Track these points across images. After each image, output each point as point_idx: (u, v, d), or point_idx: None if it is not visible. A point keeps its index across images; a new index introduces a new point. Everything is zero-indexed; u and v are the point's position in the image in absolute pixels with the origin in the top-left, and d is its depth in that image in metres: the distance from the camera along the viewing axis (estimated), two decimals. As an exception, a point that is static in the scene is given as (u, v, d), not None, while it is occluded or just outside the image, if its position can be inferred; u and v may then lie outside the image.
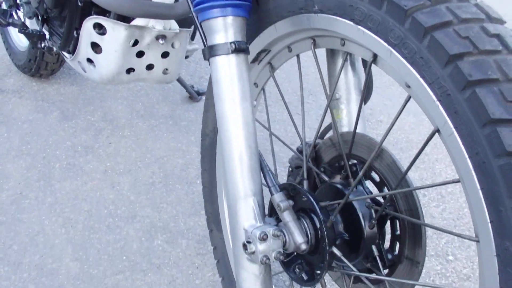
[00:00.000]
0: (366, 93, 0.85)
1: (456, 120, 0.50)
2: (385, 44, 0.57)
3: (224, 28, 0.71)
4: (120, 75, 1.18)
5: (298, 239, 0.74)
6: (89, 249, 1.32)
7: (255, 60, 0.87)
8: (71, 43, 1.22)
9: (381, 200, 0.78)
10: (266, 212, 0.82)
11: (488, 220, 0.49)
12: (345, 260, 0.75)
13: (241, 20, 0.72)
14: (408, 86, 0.59)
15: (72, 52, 1.23)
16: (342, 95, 0.85)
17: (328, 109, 0.82)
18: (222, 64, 0.72)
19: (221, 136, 0.74)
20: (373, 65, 0.67)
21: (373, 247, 0.78)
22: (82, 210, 1.43)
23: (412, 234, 0.74)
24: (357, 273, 0.74)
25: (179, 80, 1.85)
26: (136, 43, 1.13)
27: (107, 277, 1.25)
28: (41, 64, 1.83)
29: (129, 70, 1.18)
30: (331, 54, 0.82)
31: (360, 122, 0.85)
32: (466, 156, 0.50)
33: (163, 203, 1.47)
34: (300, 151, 0.88)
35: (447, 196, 1.52)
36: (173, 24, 1.14)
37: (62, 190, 1.49)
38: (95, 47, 1.16)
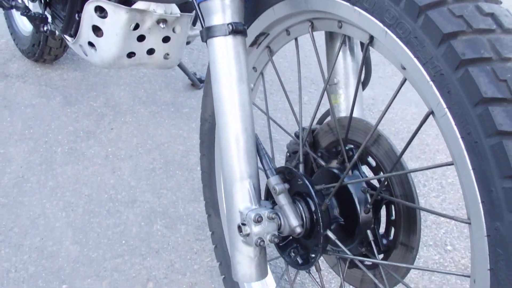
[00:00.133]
0: (364, 78, 0.85)
1: (449, 100, 0.50)
2: (381, 24, 0.56)
3: (221, 9, 0.71)
4: (121, 59, 1.18)
5: (293, 222, 0.75)
6: (89, 232, 1.33)
7: (253, 43, 0.87)
8: (72, 26, 1.22)
9: (377, 185, 0.78)
10: (263, 197, 0.83)
11: (479, 201, 0.49)
12: (340, 244, 0.75)
13: (238, 2, 0.71)
14: (404, 68, 0.59)
15: (74, 35, 1.24)
16: (340, 80, 0.84)
17: (328, 95, 0.81)
18: (219, 46, 0.72)
19: (217, 118, 0.74)
20: (371, 49, 0.67)
21: (368, 232, 0.78)
22: (82, 194, 1.44)
23: (407, 219, 0.74)
24: (351, 256, 0.75)
25: (182, 67, 1.85)
26: (137, 27, 1.13)
27: (106, 260, 1.26)
28: (44, 49, 1.84)
29: (130, 54, 1.18)
30: (330, 38, 0.82)
31: (358, 107, 0.85)
32: (459, 136, 0.50)
33: (163, 189, 1.48)
34: (297, 136, 0.88)
35: (447, 187, 1.51)
36: (174, 8, 1.14)
37: (63, 174, 1.50)
38: (97, 30, 1.16)
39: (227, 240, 1.07)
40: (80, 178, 1.49)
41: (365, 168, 0.81)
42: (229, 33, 0.71)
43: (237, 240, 0.76)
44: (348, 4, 0.61)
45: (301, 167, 0.80)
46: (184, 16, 1.16)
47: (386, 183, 0.74)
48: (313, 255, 0.79)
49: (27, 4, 1.47)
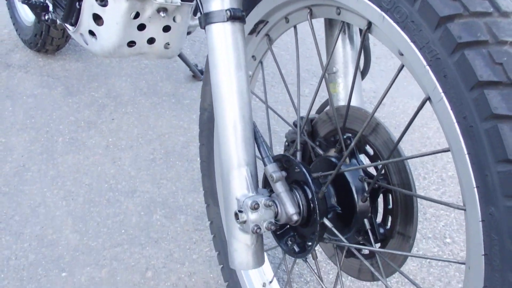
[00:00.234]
0: (363, 67, 0.85)
1: (445, 85, 0.49)
2: (378, 9, 0.56)
3: (220, -5, 0.70)
4: (122, 48, 1.18)
5: (290, 210, 0.74)
6: (89, 221, 1.34)
7: (252, 31, 0.87)
8: (73, 14, 1.22)
9: (375, 174, 0.77)
10: (261, 185, 0.83)
11: (474, 186, 0.49)
12: (336, 232, 0.75)
13: (237, -12, 0.71)
14: (401, 54, 0.58)
15: (75, 24, 1.24)
16: (339, 68, 0.84)
17: (326, 84, 0.81)
18: (218, 32, 0.71)
19: (215, 105, 0.74)
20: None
21: (365, 220, 0.78)
22: (83, 183, 1.45)
23: (404, 208, 0.74)
24: (347, 244, 0.75)
25: (183, 59, 1.85)
26: (137, 16, 1.12)
27: (105, 249, 1.27)
28: (46, 39, 1.84)
29: (131, 43, 1.18)
30: (329, 26, 0.81)
31: (357, 96, 0.85)
32: (454, 121, 0.49)
33: (163, 179, 1.48)
34: (296, 124, 0.88)
35: (447, 180, 1.51)
36: (174, -3, 1.13)
37: (64, 164, 1.51)
38: (97, 19, 1.16)
39: (225, 229, 1.07)
40: (81, 167, 1.50)
41: (363, 157, 0.81)
42: (228, 19, 0.70)
43: (234, 228, 0.76)
44: (346, -11, 0.60)
45: (298, 155, 0.80)
46: (184, 5, 1.15)
47: (383, 171, 0.74)
48: (309, 243, 0.79)
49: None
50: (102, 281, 1.18)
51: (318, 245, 0.94)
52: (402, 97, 1.90)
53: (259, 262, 0.77)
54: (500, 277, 0.49)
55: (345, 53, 0.83)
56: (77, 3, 1.20)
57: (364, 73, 0.86)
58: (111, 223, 1.34)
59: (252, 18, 0.84)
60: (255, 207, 0.72)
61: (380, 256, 0.77)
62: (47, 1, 1.37)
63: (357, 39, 0.83)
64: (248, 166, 0.74)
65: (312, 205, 0.75)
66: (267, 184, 0.80)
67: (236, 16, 0.70)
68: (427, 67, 0.51)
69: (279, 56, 2.06)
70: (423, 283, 1.21)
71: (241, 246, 0.76)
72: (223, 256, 1.11)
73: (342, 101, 0.86)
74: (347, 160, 0.79)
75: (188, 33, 1.37)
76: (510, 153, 0.44)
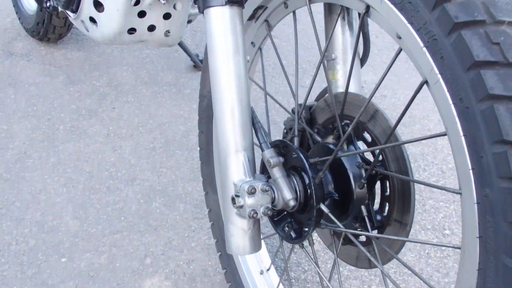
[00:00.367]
0: (363, 55, 0.84)
1: (441, 66, 0.49)
2: (376, -9, 0.56)
3: (218, -22, 0.70)
4: (122, 35, 1.18)
5: (287, 195, 0.75)
6: (89, 208, 1.34)
7: (252, 17, 0.87)
8: (74, 1, 1.22)
9: (372, 160, 0.77)
10: (259, 172, 0.83)
11: (470, 168, 0.49)
12: (333, 217, 0.75)
13: (236, -29, 0.71)
14: (399, 37, 0.58)
15: (75, 10, 1.24)
16: (338, 55, 0.83)
17: (325, 71, 0.81)
18: (216, 16, 0.71)
19: (213, 89, 0.74)
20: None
21: (362, 207, 0.78)
22: (83, 171, 1.45)
23: (402, 195, 0.74)
24: (344, 229, 0.75)
25: (184, 49, 1.85)
26: (137, 2, 1.12)
27: (105, 236, 1.27)
28: (48, 28, 1.84)
29: (131, 31, 1.18)
30: (328, 12, 0.81)
31: (356, 83, 0.84)
32: (451, 102, 0.49)
33: (163, 167, 1.48)
34: (294, 111, 0.88)
35: (448, 172, 1.50)
36: (175, -16, 1.13)
37: (65, 151, 1.51)
38: (98, 6, 1.16)
39: (222, 214, 1.08)
40: (81, 155, 1.50)
41: (361, 144, 0.80)
42: (226, 3, 0.70)
43: (231, 213, 0.76)
44: (344, -29, 0.60)
45: (296, 140, 0.80)
46: (185, -8, 1.15)
47: (381, 157, 0.74)
48: (306, 229, 0.79)
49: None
50: (101, 267, 1.19)
51: (316, 233, 0.94)
52: (403, 89, 1.89)
53: (255, 247, 0.78)
54: (494, 260, 0.49)
55: (344, 40, 0.82)
56: (78, -11, 1.20)
57: (363, 60, 0.86)
58: (111, 210, 1.34)
59: (251, 4, 0.83)
60: (251, 192, 0.72)
61: (376, 242, 0.77)
62: (48, -12, 1.37)
63: (357, 25, 0.83)
64: (246, 151, 0.74)
65: (309, 190, 0.75)
66: (264, 170, 0.80)
67: (234, 0, 0.70)
68: (424, 48, 0.51)
69: (281, 47, 2.05)
70: (421, 274, 1.21)
71: (237, 231, 0.77)
72: (221, 244, 1.11)
73: (341, 88, 0.86)
74: (345, 146, 0.79)
75: (189, 21, 1.36)
76: (505, 134, 0.44)
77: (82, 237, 1.26)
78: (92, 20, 1.20)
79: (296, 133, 0.80)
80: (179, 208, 1.36)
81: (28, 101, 1.71)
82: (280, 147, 0.79)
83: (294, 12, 0.81)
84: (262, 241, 1.04)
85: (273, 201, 0.75)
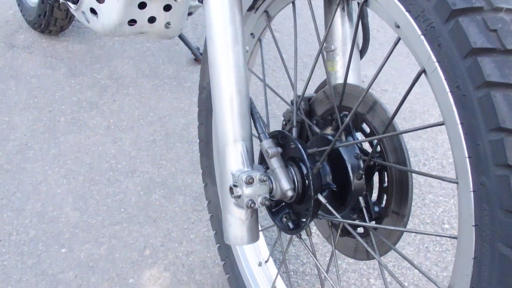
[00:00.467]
0: (362, 46, 0.84)
1: (439, 54, 0.49)
2: (375, -21, 0.55)
3: (218, -33, 0.70)
4: (122, 26, 1.18)
5: (285, 185, 0.75)
6: (89, 200, 1.35)
7: (251, 8, 0.86)
8: (75, -8, 1.22)
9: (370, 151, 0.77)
10: (257, 162, 0.83)
11: (466, 156, 0.49)
12: (330, 208, 0.75)
13: (235, -40, 0.71)
14: (398, 27, 0.58)
15: (76, 1, 1.24)
16: (337, 46, 0.83)
17: (324, 62, 0.81)
18: (215, 6, 0.71)
19: (212, 79, 0.74)
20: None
21: (360, 198, 0.78)
22: (84, 162, 1.46)
23: (400, 186, 0.74)
24: (341, 219, 0.75)
25: (185, 42, 1.85)
26: (138, -7, 1.12)
27: (105, 227, 1.28)
28: (50, 20, 1.84)
29: (131, 22, 1.18)
30: (328, 3, 0.81)
31: (355, 74, 0.84)
32: (448, 90, 0.49)
33: (163, 160, 1.49)
34: (293, 103, 0.87)
35: (448, 167, 1.50)
36: (175, -25, 1.13)
37: (65, 143, 1.52)
38: (98, -3, 1.16)
39: (221, 205, 1.08)
40: (82, 147, 1.51)
41: (360, 135, 0.80)
42: (225, -8, 0.70)
43: (229, 203, 0.76)
44: (343, -40, 0.59)
45: (294, 131, 0.80)
46: (185, -16, 1.15)
47: (379, 148, 0.74)
48: (304, 220, 0.79)
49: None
50: (101, 258, 1.20)
51: (315, 227, 0.94)
52: (404, 84, 1.88)
53: (253, 237, 0.78)
54: (490, 248, 0.49)
55: (343, 31, 0.82)
56: (79, -20, 1.20)
57: (363, 52, 0.85)
58: (110, 201, 1.35)
59: (251, -6, 0.83)
60: (249, 182, 0.72)
61: (374, 233, 0.77)
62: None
63: (356, 16, 0.82)
64: (244, 141, 0.74)
65: (306, 181, 0.75)
66: (263, 161, 0.80)
67: (234, -11, 0.70)
68: (422, 36, 0.51)
69: (282, 41, 2.05)
70: (418, 266, 1.21)
71: (235, 221, 0.77)
72: (220, 236, 1.12)
73: (340, 80, 0.85)
74: (343, 138, 0.79)
75: (189, 13, 1.36)
76: (502, 121, 0.44)
77: (82, 228, 1.27)
78: (93, 11, 1.20)
79: (294, 123, 0.80)
80: (179, 200, 1.37)
81: (30, 93, 1.71)
82: (279, 138, 0.79)
83: (293, 3, 0.80)
84: (261, 233, 1.05)
85: (271, 191, 0.75)
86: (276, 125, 1.61)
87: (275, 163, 0.75)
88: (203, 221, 1.31)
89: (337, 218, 0.75)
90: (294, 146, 0.76)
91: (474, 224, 0.50)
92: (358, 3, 0.67)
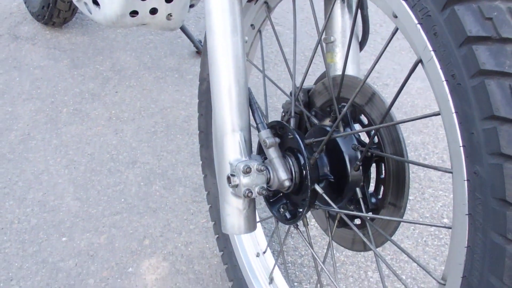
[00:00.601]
0: (362, 38, 0.84)
1: (435, 43, 0.49)
2: (373, -32, 0.55)
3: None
4: (124, 18, 1.18)
5: (282, 175, 0.75)
6: (90, 190, 1.36)
7: (252, -2, 0.86)
8: (77, -17, 1.23)
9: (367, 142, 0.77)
10: (255, 153, 0.83)
11: (461, 145, 0.49)
12: (327, 198, 0.76)
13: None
14: (395, 16, 0.58)
15: (78, -8, 1.24)
16: (337, 38, 0.83)
17: (322, 53, 0.81)
18: (215, -5, 0.71)
19: (211, 69, 0.74)
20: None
21: (357, 189, 0.78)
22: (85, 153, 1.47)
23: (397, 178, 0.74)
24: (338, 210, 0.75)
25: (187, 35, 1.85)
26: (140, -16, 1.12)
27: (105, 216, 1.29)
28: (53, 12, 1.85)
29: (133, 13, 1.18)
30: (328, -6, 0.81)
31: (354, 66, 0.84)
32: (443, 79, 0.49)
33: (164, 151, 1.49)
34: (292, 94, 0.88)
35: (448, 161, 1.50)
36: (177, -34, 1.13)
37: (67, 134, 1.53)
38: (100, -13, 1.16)
39: (219, 196, 1.08)
40: (84, 137, 1.52)
41: (357, 127, 0.81)
42: (225, -18, 0.70)
43: (227, 192, 0.77)
44: (342, -51, 0.59)
45: (292, 121, 0.81)
46: (187, -25, 1.15)
47: (376, 139, 0.74)
48: (301, 210, 0.79)
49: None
50: (101, 247, 1.21)
51: (314, 219, 0.94)
52: (407, 79, 1.88)
53: (250, 227, 0.78)
54: (482, 237, 0.50)
55: (343, 22, 0.82)
56: (81, -29, 1.20)
57: (362, 44, 0.85)
58: (111, 192, 1.36)
59: (251, -16, 0.83)
60: (247, 171, 0.72)
61: (371, 224, 0.77)
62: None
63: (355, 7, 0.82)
64: (242, 131, 0.75)
65: (304, 171, 0.76)
66: (261, 151, 0.81)
67: (233, -21, 0.70)
68: (418, 25, 0.51)
69: (284, 35, 2.04)
70: (412, 255, 1.22)
71: (233, 210, 0.77)
72: (219, 226, 1.13)
73: (339, 71, 0.85)
74: (341, 129, 0.79)
75: (191, 5, 1.36)
76: (496, 109, 0.44)
77: (83, 218, 1.28)
78: (95, 2, 1.20)
79: (292, 114, 0.81)
80: (179, 191, 1.37)
81: (33, 83, 1.72)
82: (277, 128, 0.80)
83: (293, -7, 0.80)
84: (259, 224, 1.05)
85: (268, 181, 0.76)
86: (277, 117, 1.62)
87: (272, 153, 0.76)
88: (203, 212, 1.32)
89: (333, 208, 0.75)
90: (291, 136, 0.77)
91: (467, 213, 0.51)
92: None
